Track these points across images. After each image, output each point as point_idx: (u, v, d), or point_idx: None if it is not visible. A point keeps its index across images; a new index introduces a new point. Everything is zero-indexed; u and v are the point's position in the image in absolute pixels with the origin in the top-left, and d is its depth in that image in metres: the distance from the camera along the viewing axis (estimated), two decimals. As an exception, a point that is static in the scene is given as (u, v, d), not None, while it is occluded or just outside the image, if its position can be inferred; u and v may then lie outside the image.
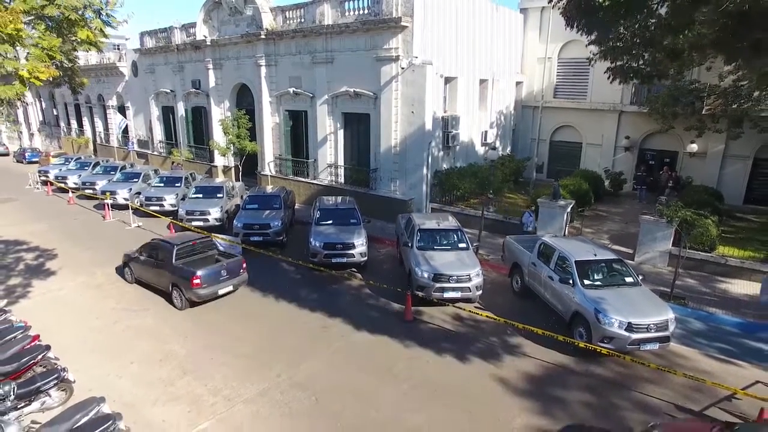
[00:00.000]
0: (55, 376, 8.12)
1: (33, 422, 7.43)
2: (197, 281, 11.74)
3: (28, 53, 7.00)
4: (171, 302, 12.40)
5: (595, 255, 11.24)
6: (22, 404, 7.74)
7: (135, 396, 8.78)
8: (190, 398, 8.77)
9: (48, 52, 7.05)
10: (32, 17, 6.95)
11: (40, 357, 8.69)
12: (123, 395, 8.67)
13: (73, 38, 7.74)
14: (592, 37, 11.26)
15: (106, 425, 6.94)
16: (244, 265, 13.05)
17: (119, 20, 8.56)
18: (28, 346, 8.89)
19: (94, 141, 38.57)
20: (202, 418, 8.22)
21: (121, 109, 34.61)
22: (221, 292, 12.35)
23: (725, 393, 8.68)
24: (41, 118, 46.63)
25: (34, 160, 36.14)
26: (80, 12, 7.61)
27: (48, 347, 8.96)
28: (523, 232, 15.79)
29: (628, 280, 10.82)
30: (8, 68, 6.78)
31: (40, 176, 27.90)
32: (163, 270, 12.54)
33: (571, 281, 10.61)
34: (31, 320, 10.11)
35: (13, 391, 7.58)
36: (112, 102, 35.35)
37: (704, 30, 9.48)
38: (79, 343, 10.57)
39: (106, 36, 8.04)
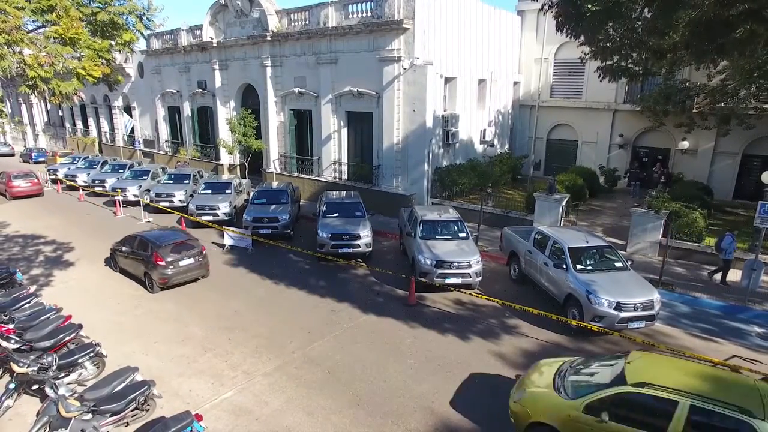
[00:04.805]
0: (91, 349, 8.85)
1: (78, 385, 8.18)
2: None
3: (81, 53, 7.78)
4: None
5: (587, 242, 12.02)
6: (62, 375, 8.47)
7: (161, 370, 9.50)
8: (213, 372, 9.50)
9: (99, 53, 7.85)
10: (84, 22, 7.71)
11: (74, 334, 9.43)
12: (150, 369, 9.37)
13: (117, 40, 8.51)
14: (582, 39, 12.07)
15: (141, 390, 7.70)
16: None
17: (157, 23, 9.35)
18: (62, 325, 9.62)
19: (100, 141, 39.26)
20: (225, 389, 8.95)
21: (127, 109, 35.30)
22: None
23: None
24: (46, 119, 47.30)
25: (40, 159, 36.79)
26: (125, 17, 8.42)
27: (80, 326, 9.70)
28: (723, 260, 13.16)
29: (618, 265, 11.60)
30: (69, 67, 7.58)
31: (49, 174, 28.60)
32: None
33: (564, 266, 11.37)
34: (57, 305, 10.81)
35: (55, 362, 8.34)
36: (118, 102, 36.05)
37: (676, 36, 10.51)
38: (105, 324, 11.29)
39: (146, 39, 8.80)
